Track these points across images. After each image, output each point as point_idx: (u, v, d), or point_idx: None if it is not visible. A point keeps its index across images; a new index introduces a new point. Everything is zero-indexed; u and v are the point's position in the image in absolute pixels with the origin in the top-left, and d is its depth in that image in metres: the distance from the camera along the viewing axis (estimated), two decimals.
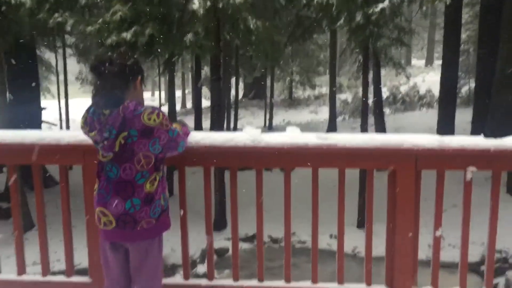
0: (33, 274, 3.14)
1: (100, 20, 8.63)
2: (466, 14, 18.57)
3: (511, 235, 6.68)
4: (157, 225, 2.39)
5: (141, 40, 8.59)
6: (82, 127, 2.35)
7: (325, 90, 27.59)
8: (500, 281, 7.75)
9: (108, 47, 8.52)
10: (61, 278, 3.08)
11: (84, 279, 3.04)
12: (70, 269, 3.06)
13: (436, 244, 2.89)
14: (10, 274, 3.13)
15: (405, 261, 2.81)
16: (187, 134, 2.61)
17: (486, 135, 2.73)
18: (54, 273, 3.15)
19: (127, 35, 8.51)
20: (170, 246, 8.69)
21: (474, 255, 8.19)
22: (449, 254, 8.71)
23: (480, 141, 2.70)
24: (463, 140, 2.73)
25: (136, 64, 2.36)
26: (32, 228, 9.28)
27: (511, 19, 10.15)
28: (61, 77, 15.60)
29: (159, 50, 9.67)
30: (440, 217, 2.87)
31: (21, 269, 3.09)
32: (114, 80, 2.25)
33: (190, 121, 19.98)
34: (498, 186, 2.78)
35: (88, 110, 2.32)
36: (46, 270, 3.08)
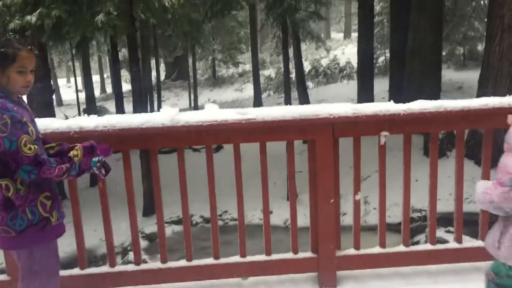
0: None
1: (0, 3, 8.04)
2: None
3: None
4: (19, 238, 2.13)
5: (48, 23, 8.10)
6: None
7: (248, 67, 27.66)
8: (421, 238, 8.24)
9: (11, 32, 7.99)
10: None
11: (2, 277, 2.91)
12: None
13: (356, 207, 3.00)
14: None
15: (328, 227, 2.90)
16: (41, 162, 2.05)
17: (401, 102, 2.85)
18: None
19: (32, 18, 7.97)
20: (99, 236, 8.46)
21: (397, 216, 8.55)
22: (375, 217, 9.12)
23: (391, 107, 2.83)
24: (375, 106, 2.84)
25: None
26: None
27: None
28: None
29: (69, 33, 9.18)
30: (358, 182, 2.98)
31: None
32: None
33: (111, 106, 19.32)
34: (409, 147, 2.93)
35: None
36: None
